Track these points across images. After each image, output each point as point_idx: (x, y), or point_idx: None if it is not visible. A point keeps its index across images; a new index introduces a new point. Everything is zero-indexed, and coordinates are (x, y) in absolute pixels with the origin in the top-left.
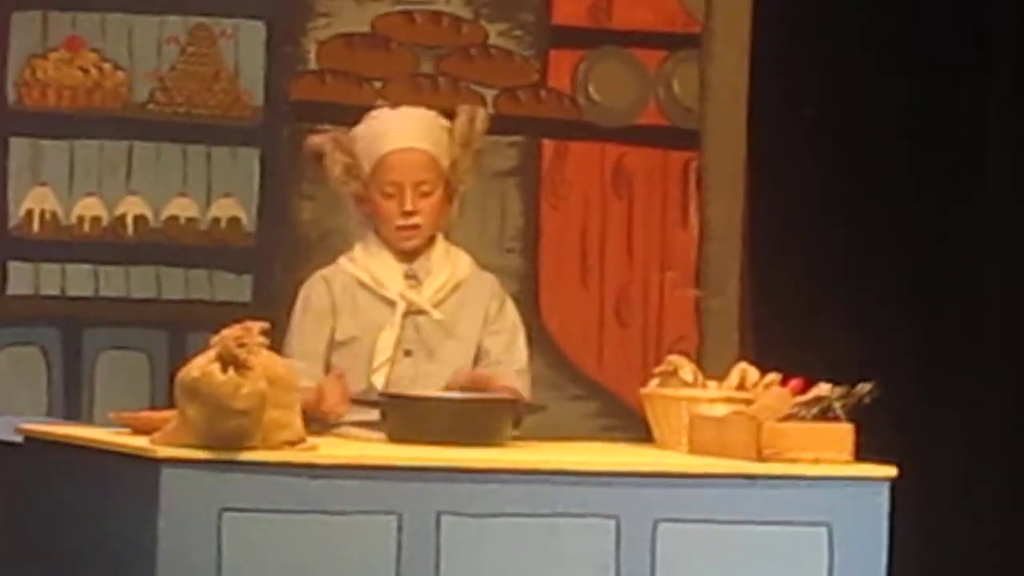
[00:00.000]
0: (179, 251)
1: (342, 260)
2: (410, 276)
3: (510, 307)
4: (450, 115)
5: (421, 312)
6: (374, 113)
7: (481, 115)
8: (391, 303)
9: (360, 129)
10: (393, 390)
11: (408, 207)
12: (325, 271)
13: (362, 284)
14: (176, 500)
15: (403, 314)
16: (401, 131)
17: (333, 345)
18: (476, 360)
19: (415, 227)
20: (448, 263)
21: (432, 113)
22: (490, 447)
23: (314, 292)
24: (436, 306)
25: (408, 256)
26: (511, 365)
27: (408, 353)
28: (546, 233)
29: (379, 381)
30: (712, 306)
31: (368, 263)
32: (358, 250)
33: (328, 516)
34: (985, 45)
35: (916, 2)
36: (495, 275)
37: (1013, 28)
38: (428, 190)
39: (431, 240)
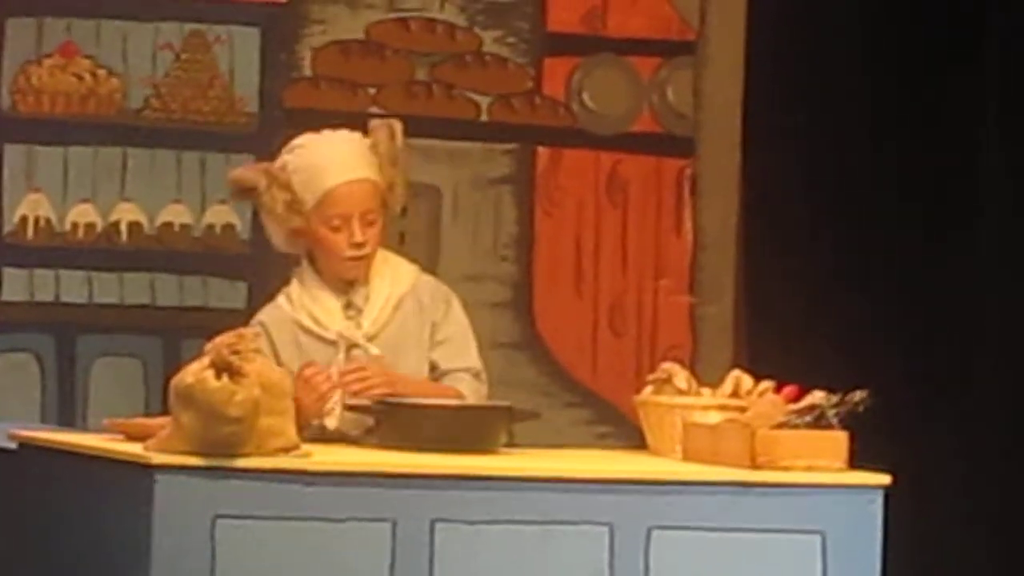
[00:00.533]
0: (173, 258)
1: (280, 300)
2: (349, 307)
3: (456, 309)
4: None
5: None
6: (301, 141)
7: (398, 127)
8: (333, 343)
9: (292, 161)
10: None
11: (358, 238)
12: (262, 315)
13: (301, 326)
14: (170, 506)
15: (346, 351)
16: (342, 163)
17: None
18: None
19: (363, 257)
20: (387, 281)
21: (357, 135)
22: (484, 454)
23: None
24: (378, 332)
25: (346, 285)
26: (463, 370)
27: None
28: (540, 240)
29: (332, 424)
30: (706, 314)
31: (305, 302)
32: (294, 287)
33: (322, 523)
34: (980, 54)
35: (911, 10)
36: (489, 282)
37: (1009, 40)
38: (373, 219)
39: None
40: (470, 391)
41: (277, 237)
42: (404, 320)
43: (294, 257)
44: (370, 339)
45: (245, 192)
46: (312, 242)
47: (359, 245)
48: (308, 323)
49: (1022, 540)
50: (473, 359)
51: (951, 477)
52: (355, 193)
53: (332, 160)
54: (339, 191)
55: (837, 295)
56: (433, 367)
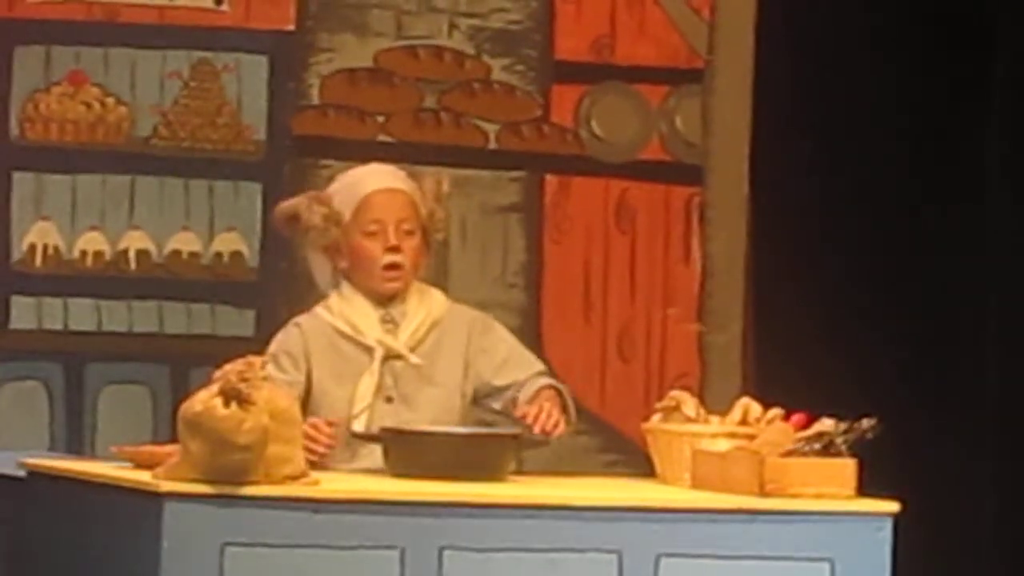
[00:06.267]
0: (181, 286)
1: (318, 309)
2: (387, 320)
3: (499, 329)
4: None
5: (399, 357)
6: (342, 174)
7: (446, 180)
8: (369, 349)
9: (334, 185)
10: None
11: (393, 242)
12: (300, 318)
13: (339, 332)
14: (179, 534)
15: (381, 359)
16: (380, 175)
17: (309, 390)
18: (486, 397)
19: (399, 267)
20: (423, 304)
21: (403, 174)
22: (492, 481)
23: (289, 337)
24: (414, 349)
25: (384, 301)
26: (537, 374)
27: (389, 400)
28: (548, 268)
29: (359, 428)
30: (715, 341)
31: (344, 310)
32: (334, 299)
33: (331, 550)
34: (987, 76)
35: (917, 35)
36: (497, 310)
37: (1016, 59)
38: (410, 229)
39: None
40: (557, 385)
41: (319, 267)
42: (439, 341)
43: (306, 286)
44: (408, 350)
45: (290, 220)
46: (350, 256)
47: (394, 249)
48: (346, 329)
49: None
50: (537, 362)
51: (960, 505)
52: (391, 200)
53: (371, 173)
54: (375, 197)
55: (846, 323)
56: (508, 386)
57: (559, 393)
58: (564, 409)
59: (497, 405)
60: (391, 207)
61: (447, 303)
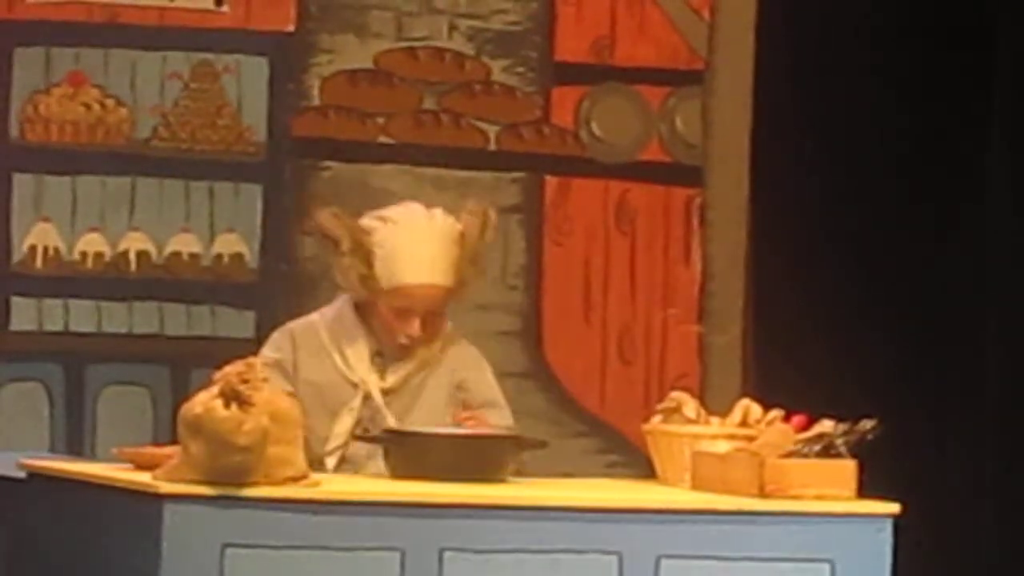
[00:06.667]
0: (182, 287)
1: (316, 319)
2: (379, 354)
3: (489, 374)
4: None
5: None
6: (394, 215)
7: (492, 221)
8: (354, 384)
9: (380, 233)
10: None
11: (415, 333)
12: (296, 326)
13: (329, 356)
14: (179, 536)
15: (363, 399)
16: (423, 261)
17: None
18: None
19: (414, 346)
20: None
21: (450, 222)
22: (492, 483)
23: (283, 343)
24: (399, 386)
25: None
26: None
27: (366, 431)
28: (549, 269)
29: (331, 463)
30: (715, 342)
31: (340, 335)
32: (335, 314)
33: (331, 552)
34: (987, 76)
35: (917, 35)
36: (498, 312)
37: (1016, 59)
38: (438, 311)
39: None
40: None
41: (344, 281)
42: (426, 377)
43: (306, 287)
44: (391, 391)
45: (326, 239)
46: (373, 307)
47: (412, 339)
48: (337, 360)
49: None
50: (509, 419)
51: (960, 506)
52: (426, 296)
53: (415, 255)
54: (411, 289)
55: (846, 324)
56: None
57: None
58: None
59: None
60: (425, 301)
61: (443, 338)
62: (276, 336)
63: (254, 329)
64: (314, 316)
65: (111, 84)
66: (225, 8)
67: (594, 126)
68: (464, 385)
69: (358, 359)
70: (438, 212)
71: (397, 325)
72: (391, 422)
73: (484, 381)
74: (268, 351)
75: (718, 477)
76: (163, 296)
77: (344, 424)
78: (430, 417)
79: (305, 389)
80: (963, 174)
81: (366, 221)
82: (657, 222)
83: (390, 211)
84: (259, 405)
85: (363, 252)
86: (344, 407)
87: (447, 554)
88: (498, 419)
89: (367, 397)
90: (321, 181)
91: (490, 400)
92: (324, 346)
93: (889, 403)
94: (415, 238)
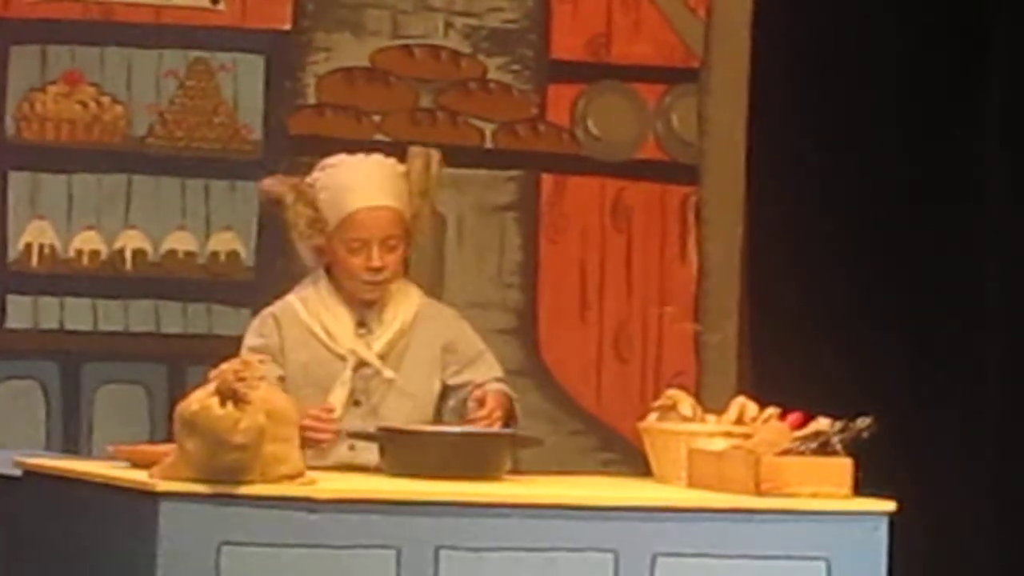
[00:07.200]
0: (178, 285)
1: (293, 299)
2: (361, 325)
3: (468, 328)
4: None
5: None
6: (332, 161)
7: (436, 158)
8: (342, 356)
9: (322, 179)
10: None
11: (376, 263)
12: (276, 309)
13: (315, 335)
14: (175, 534)
15: (354, 368)
16: (367, 187)
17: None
18: (442, 395)
19: (380, 281)
20: (398, 310)
21: (391, 161)
22: (488, 481)
23: (265, 329)
24: (387, 353)
25: (360, 304)
26: (495, 380)
27: (357, 403)
28: (545, 268)
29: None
30: (711, 340)
31: (320, 311)
32: (310, 292)
33: (327, 550)
34: (986, 76)
35: (916, 37)
36: (494, 310)
37: (1016, 60)
38: (394, 244)
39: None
40: (511, 393)
41: (303, 251)
42: (410, 342)
43: (299, 281)
44: (380, 358)
45: (272, 203)
46: (332, 259)
47: (376, 270)
48: (321, 335)
49: None
50: (498, 368)
51: (957, 504)
52: (376, 219)
53: (358, 183)
54: (360, 215)
55: (842, 322)
56: (463, 385)
57: (509, 400)
58: (510, 415)
59: (451, 403)
60: (376, 226)
61: (418, 298)
62: (257, 323)
63: None
64: (290, 297)
65: (107, 82)
66: (221, 6)
67: (590, 124)
68: (451, 347)
69: (342, 331)
70: (377, 155)
71: (356, 263)
72: (388, 375)
73: (467, 338)
74: (251, 338)
75: (714, 475)
76: (159, 294)
77: (337, 396)
78: (417, 383)
79: (295, 369)
80: (963, 173)
81: (308, 177)
82: (653, 220)
83: (328, 160)
84: (255, 403)
85: (307, 199)
86: (335, 381)
87: (443, 552)
88: (488, 371)
89: (357, 367)
90: None
91: (480, 351)
92: (306, 324)
93: (885, 401)
94: (357, 171)
